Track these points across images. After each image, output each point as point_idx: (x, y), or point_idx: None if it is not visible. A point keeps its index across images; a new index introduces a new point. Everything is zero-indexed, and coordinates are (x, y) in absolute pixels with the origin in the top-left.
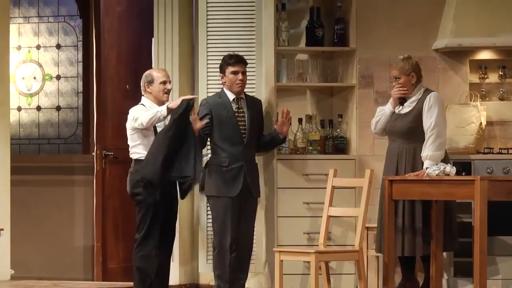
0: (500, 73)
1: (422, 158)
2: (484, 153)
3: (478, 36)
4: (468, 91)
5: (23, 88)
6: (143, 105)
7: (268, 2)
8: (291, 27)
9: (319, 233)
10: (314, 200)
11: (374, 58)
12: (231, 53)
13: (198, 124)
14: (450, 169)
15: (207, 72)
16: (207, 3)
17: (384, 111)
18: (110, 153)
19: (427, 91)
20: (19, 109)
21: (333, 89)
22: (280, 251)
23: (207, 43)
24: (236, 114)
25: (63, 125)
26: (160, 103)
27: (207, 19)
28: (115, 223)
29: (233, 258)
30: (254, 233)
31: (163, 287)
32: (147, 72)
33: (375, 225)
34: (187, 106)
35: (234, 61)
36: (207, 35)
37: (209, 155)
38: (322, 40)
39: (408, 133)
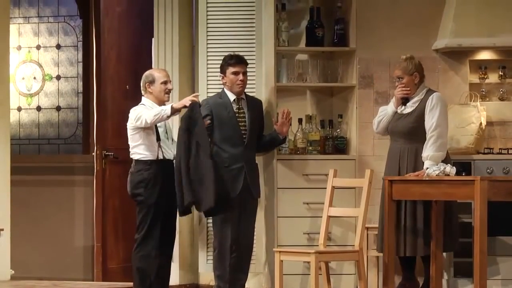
0: (500, 73)
1: (422, 158)
2: (484, 153)
3: (478, 36)
4: (468, 91)
5: (23, 88)
6: (144, 105)
7: (268, 2)
8: (291, 27)
9: (319, 233)
10: (314, 200)
11: (374, 58)
12: (232, 53)
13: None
14: (450, 169)
15: (207, 72)
16: (207, 3)
17: (387, 111)
18: (110, 153)
19: (430, 91)
20: (19, 109)
21: (333, 89)
22: (280, 251)
23: (207, 43)
24: (237, 115)
25: (63, 125)
26: (161, 103)
27: (207, 19)
28: (115, 223)
29: (233, 259)
30: (254, 233)
31: None
32: (147, 72)
33: (375, 225)
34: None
35: (235, 61)
36: (207, 35)
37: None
38: (322, 40)
39: (410, 133)
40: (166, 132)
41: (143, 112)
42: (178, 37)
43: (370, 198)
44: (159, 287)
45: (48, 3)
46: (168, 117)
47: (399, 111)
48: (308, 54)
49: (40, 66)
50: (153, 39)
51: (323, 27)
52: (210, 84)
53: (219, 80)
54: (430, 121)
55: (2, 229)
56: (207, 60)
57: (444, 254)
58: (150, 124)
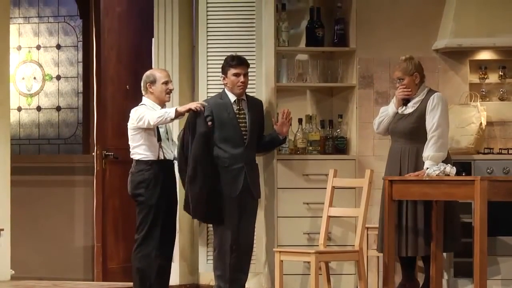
0: (500, 73)
1: (423, 158)
2: (484, 153)
3: (478, 36)
4: (468, 92)
5: (23, 88)
6: (145, 105)
7: (268, 2)
8: (291, 27)
9: (319, 233)
10: (314, 200)
11: (374, 59)
12: (234, 54)
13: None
14: (450, 169)
15: (207, 72)
16: (207, 3)
17: (387, 111)
18: (110, 153)
19: (431, 92)
20: (19, 109)
21: (333, 89)
22: (280, 251)
23: (207, 43)
24: (237, 116)
25: (63, 125)
26: (162, 103)
27: (207, 19)
28: (115, 223)
29: (233, 259)
30: (254, 233)
31: None
32: (148, 72)
33: (375, 225)
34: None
35: (236, 63)
36: (207, 35)
37: None
38: (322, 41)
39: (411, 133)
40: (167, 133)
41: (146, 112)
42: (178, 37)
43: (370, 198)
44: None
45: (48, 3)
46: (172, 120)
47: (400, 111)
48: (308, 54)
49: (40, 66)
50: (153, 39)
51: (323, 27)
52: (210, 84)
53: (219, 80)
54: (431, 121)
55: (2, 229)
56: (207, 60)
57: (444, 254)
58: (152, 125)
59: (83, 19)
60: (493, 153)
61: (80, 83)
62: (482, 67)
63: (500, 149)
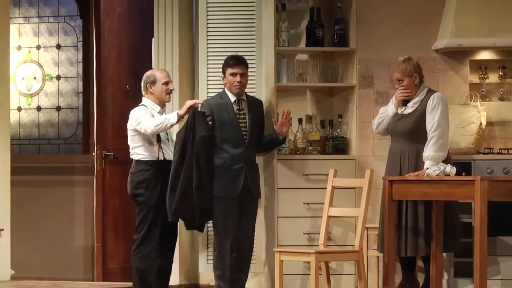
0: (500, 73)
1: (423, 158)
2: (484, 153)
3: (478, 36)
4: (468, 92)
5: (23, 88)
6: (145, 105)
7: (268, 2)
8: (291, 27)
9: (319, 233)
10: (314, 200)
11: (374, 59)
12: (234, 54)
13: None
14: (450, 169)
15: (207, 72)
16: (207, 3)
17: (387, 112)
18: (110, 153)
19: (431, 92)
20: (19, 109)
21: (333, 89)
22: (280, 251)
23: (207, 43)
24: (237, 116)
25: (63, 125)
26: (162, 103)
27: (207, 19)
28: (115, 223)
29: (233, 259)
30: (254, 233)
31: None
32: (148, 73)
33: (375, 225)
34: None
35: (233, 63)
36: (207, 35)
37: None
38: (322, 40)
39: (411, 133)
40: (167, 133)
41: (144, 118)
42: (178, 37)
43: (370, 198)
44: None
45: (48, 3)
46: (173, 125)
47: (399, 111)
48: (308, 54)
49: (40, 66)
50: (153, 39)
51: (323, 27)
52: (210, 84)
53: (219, 80)
54: (431, 122)
55: (2, 229)
56: (207, 60)
57: (444, 254)
58: (150, 133)
59: (83, 19)
60: (493, 153)
61: (80, 83)
62: (482, 67)
63: (500, 149)
